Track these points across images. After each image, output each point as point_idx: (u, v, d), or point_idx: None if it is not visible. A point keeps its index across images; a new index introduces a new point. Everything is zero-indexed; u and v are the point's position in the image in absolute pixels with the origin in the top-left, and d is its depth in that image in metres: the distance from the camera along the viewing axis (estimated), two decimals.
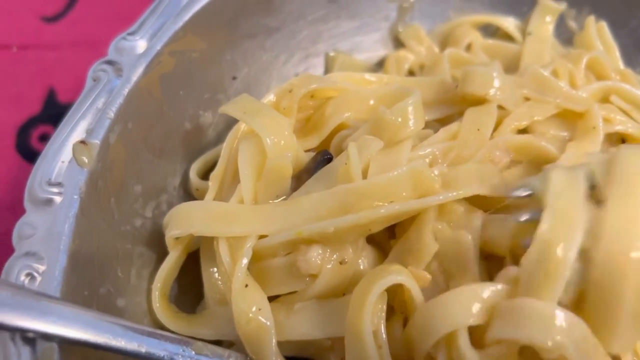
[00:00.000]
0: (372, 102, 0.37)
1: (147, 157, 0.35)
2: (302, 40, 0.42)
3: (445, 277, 0.31)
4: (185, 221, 0.32)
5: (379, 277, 0.29)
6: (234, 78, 0.40)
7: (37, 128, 0.48)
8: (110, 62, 0.34)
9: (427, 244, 0.30)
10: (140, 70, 0.34)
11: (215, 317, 0.33)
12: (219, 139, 0.40)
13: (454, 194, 0.30)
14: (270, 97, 0.37)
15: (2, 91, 0.50)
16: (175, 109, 0.37)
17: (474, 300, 0.27)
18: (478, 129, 0.36)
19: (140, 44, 0.35)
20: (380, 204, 0.30)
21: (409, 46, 0.45)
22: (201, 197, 0.37)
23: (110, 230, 0.32)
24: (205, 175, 0.37)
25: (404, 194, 0.30)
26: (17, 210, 0.46)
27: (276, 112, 0.33)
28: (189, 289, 0.35)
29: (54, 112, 0.49)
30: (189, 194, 0.38)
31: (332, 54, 0.44)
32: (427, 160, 0.33)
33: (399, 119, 0.33)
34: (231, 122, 0.39)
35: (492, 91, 0.37)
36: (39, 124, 0.49)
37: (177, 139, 0.37)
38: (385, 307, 0.29)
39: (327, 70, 0.44)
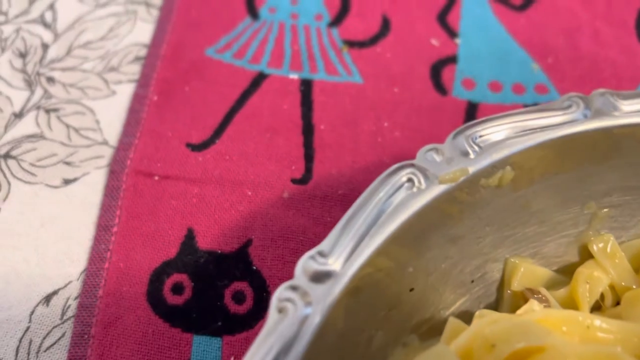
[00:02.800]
0: None
1: None
2: (485, 246, 0.38)
3: None
4: None
5: None
6: (411, 290, 0.36)
7: (171, 276, 0.45)
8: (295, 288, 0.30)
9: None
10: (329, 300, 0.30)
11: None
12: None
13: None
14: (462, 341, 0.32)
15: (140, 228, 0.47)
16: (352, 335, 0.33)
17: None
18: None
19: (332, 269, 0.31)
20: None
21: (598, 259, 0.40)
22: None
23: None
24: None
25: None
26: None
27: None
28: None
29: (190, 259, 0.45)
30: None
31: (513, 259, 0.39)
32: None
33: None
34: (398, 340, 0.35)
35: None
36: (173, 272, 0.45)
37: None
38: None
39: (506, 276, 0.39)
